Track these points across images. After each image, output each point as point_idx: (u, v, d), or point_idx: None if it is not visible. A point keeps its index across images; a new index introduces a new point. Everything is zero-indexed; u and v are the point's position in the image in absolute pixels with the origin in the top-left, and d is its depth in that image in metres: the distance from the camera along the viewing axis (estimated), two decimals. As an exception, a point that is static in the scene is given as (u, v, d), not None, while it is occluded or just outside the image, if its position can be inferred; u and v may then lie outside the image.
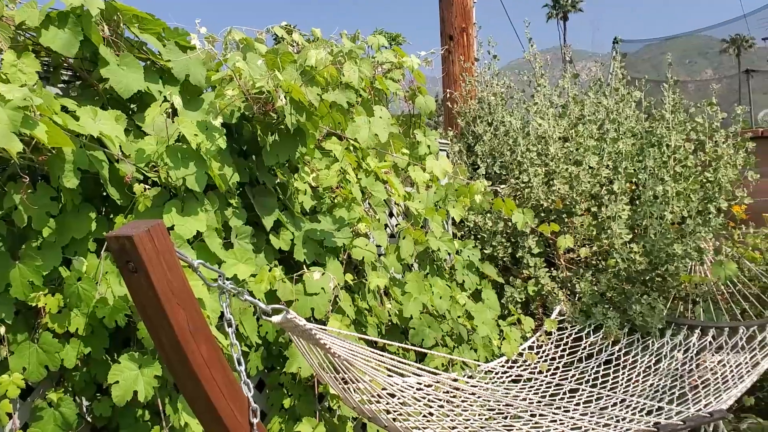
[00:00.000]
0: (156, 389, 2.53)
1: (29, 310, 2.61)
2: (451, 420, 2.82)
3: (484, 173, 4.75)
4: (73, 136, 2.38)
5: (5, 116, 2.10)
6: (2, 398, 2.49)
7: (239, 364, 1.90)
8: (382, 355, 2.19)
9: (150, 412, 2.99)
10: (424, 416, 2.70)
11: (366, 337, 2.70)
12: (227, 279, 1.94)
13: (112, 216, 2.82)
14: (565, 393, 3.74)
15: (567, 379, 3.94)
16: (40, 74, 2.50)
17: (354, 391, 2.65)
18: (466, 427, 2.85)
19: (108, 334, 2.74)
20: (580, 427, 3.21)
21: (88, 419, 2.86)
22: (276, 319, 2.05)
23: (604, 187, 4.68)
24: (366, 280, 3.73)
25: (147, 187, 2.62)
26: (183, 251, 2.64)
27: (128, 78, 2.72)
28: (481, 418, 3.02)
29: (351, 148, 3.89)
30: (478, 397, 2.94)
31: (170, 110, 2.80)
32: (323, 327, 2.15)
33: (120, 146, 2.65)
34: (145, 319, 1.73)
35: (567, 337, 4.31)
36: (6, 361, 2.58)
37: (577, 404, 3.70)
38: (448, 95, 5.56)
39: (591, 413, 3.51)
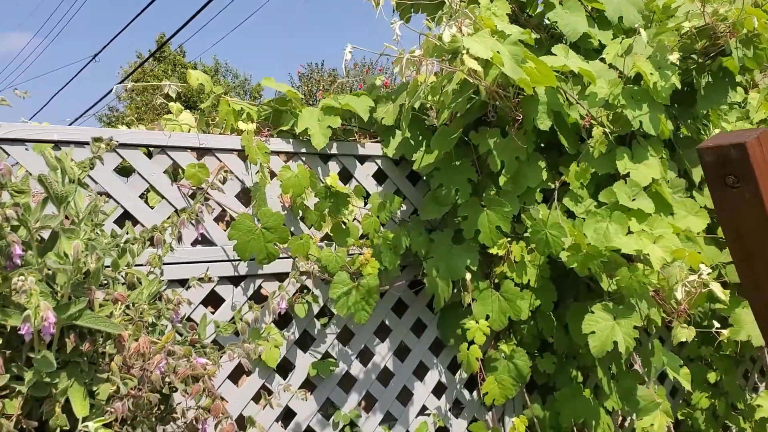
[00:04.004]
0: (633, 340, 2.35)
1: (484, 257, 2.61)
2: None
3: None
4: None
5: (507, 51, 2.07)
6: (470, 344, 2.52)
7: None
8: None
9: (582, 373, 2.87)
10: None
11: None
12: None
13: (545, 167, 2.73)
14: None
15: None
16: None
17: None
18: None
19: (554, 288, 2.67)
20: None
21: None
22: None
23: None
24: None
25: (606, 131, 2.47)
26: (639, 199, 2.45)
27: (573, 20, 2.62)
28: None
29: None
30: None
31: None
32: None
33: (564, 91, 2.54)
34: (736, 241, 1.53)
35: None
36: (469, 308, 2.61)
37: None
38: None
39: None
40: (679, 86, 2.56)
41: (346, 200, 2.32)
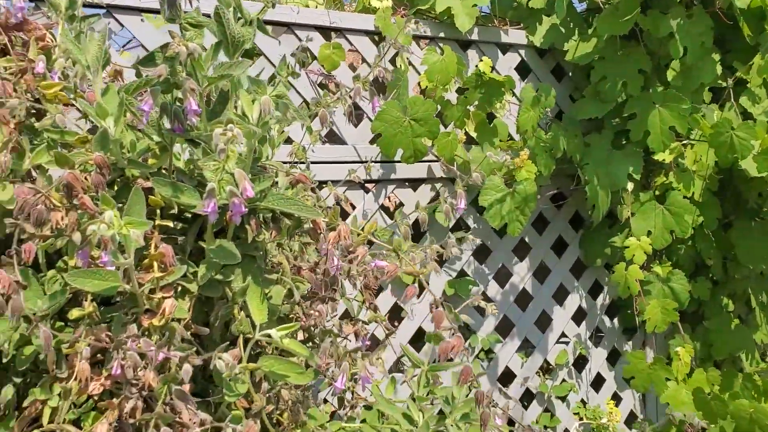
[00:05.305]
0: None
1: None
2: None
3: None
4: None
5: None
6: (629, 264, 2.19)
7: None
8: None
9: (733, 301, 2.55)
10: None
11: None
12: None
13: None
14: None
15: None
16: None
17: None
18: None
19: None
20: None
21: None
22: None
23: None
24: None
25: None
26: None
27: None
28: None
29: None
30: None
31: None
32: None
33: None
34: None
35: None
36: (619, 225, 2.28)
37: None
38: None
39: None
40: None
41: (500, 90, 1.97)
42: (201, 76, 1.02)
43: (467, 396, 1.32)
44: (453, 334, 1.08)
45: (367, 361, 1.21)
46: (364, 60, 2.04)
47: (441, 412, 1.34)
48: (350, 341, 1.47)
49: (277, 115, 1.02)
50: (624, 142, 2.22)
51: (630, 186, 2.17)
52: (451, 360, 1.14)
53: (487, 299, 2.27)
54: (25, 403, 1.04)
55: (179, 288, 1.10)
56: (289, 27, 1.91)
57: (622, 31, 2.02)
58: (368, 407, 1.59)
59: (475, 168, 1.49)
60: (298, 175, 1.15)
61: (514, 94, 2.18)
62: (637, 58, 2.10)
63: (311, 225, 1.10)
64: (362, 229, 1.83)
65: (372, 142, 2.01)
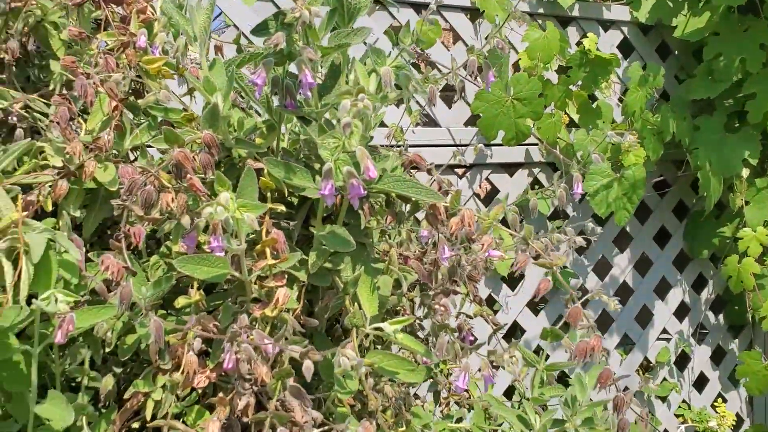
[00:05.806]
0: None
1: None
2: None
3: None
4: None
5: None
6: (742, 257, 2.02)
7: None
8: None
9: None
10: None
11: None
12: None
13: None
14: None
15: None
16: None
17: None
18: None
19: None
20: None
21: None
22: None
23: None
24: None
25: None
26: None
27: None
28: None
29: None
30: None
31: None
32: None
33: None
34: None
35: None
36: (728, 214, 2.11)
37: None
38: None
39: None
40: None
41: (606, 69, 1.83)
42: (316, 45, 0.93)
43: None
44: (593, 333, 0.96)
45: (492, 359, 1.11)
46: (458, 37, 1.93)
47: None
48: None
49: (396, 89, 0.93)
50: (737, 124, 2.04)
51: (745, 172, 1.99)
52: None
53: (585, 293, 2.13)
54: (126, 395, 0.99)
55: (286, 277, 1.02)
56: (380, 3, 1.82)
57: (739, 1, 1.85)
58: (469, 406, 1.50)
59: (594, 149, 1.37)
60: (413, 156, 1.06)
61: (616, 74, 2.03)
62: (757, 33, 1.92)
63: (430, 210, 1.00)
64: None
65: (467, 124, 1.91)
